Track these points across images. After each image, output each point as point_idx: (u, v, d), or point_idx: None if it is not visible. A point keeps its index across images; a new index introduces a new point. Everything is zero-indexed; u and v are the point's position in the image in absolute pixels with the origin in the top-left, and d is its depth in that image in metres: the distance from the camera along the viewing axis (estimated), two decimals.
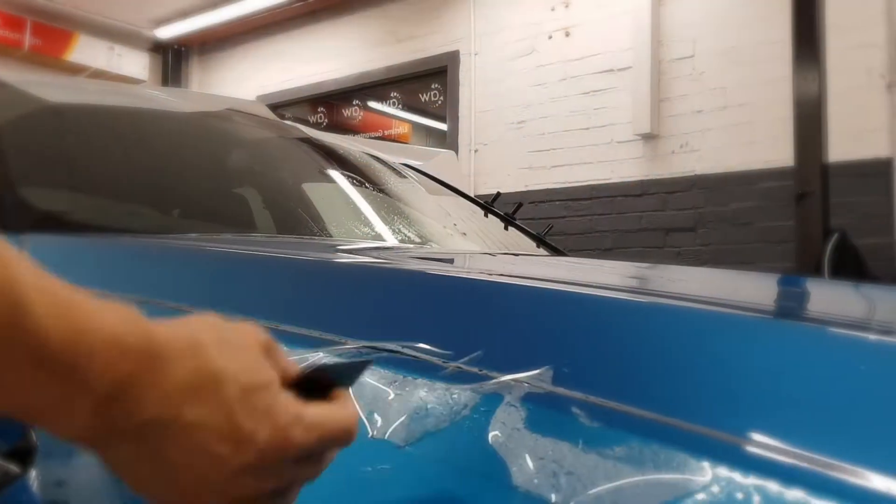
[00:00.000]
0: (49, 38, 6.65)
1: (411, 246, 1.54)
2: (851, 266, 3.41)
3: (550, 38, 4.89)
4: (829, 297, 0.94)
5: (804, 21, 3.90)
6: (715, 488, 0.38)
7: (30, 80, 1.56)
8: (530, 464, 0.43)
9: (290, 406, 0.38)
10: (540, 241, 2.15)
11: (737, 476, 0.38)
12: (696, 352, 0.50)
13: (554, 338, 0.55)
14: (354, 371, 0.45)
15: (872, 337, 0.58)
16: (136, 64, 7.18)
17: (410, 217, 1.85)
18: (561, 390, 0.47)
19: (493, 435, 0.45)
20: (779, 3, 4.01)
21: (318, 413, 0.39)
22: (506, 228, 2.15)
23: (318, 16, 6.27)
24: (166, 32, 6.98)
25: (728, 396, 0.45)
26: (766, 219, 4.01)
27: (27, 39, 6.51)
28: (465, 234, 1.90)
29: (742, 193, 4.09)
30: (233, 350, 0.38)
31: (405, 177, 2.11)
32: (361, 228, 1.68)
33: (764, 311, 0.64)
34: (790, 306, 0.69)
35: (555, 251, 2.13)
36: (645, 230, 4.42)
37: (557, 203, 4.75)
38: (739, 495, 0.37)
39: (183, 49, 7.39)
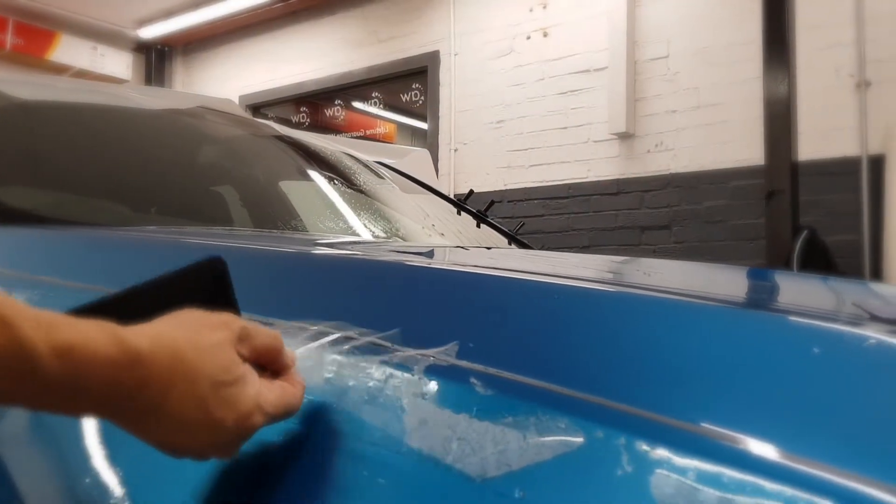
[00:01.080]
0: (31, 38, 6.62)
1: (374, 240, 1.56)
2: (820, 263, 3.46)
3: (529, 38, 4.93)
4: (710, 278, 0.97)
5: (775, 22, 3.95)
6: (588, 449, 0.41)
7: None
8: (427, 431, 0.46)
9: (252, 394, 0.46)
10: (511, 237, 2.18)
11: (611, 436, 0.41)
12: (587, 327, 0.54)
13: (463, 316, 0.58)
14: None
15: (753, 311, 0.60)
16: (119, 64, 7.16)
17: (378, 212, 1.87)
18: (464, 363, 0.50)
19: (396, 404, 0.49)
20: (750, 5, 4.07)
21: (273, 397, 0.47)
22: (478, 226, 2.18)
23: (300, 16, 6.29)
24: (149, 32, 6.96)
25: (611, 366, 0.49)
26: (737, 216, 4.06)
27: (9, 39, 6.48)
28: (442, 234, 1.93)
29: (715, 192, 4.14)
30: (206, 351, 0.45)
31: (376, 173, 2.14)
32: (326, 223, 1.70)
33: (649, 287, 0.68)
34: (681, 284, 0.73)
35: (524, 248, 2.16)
36: (621, 228, 4.47)
37: (535, 202, 4.79)
38: (612, 455, 0.40)
39: (166, 49, 7.38)
